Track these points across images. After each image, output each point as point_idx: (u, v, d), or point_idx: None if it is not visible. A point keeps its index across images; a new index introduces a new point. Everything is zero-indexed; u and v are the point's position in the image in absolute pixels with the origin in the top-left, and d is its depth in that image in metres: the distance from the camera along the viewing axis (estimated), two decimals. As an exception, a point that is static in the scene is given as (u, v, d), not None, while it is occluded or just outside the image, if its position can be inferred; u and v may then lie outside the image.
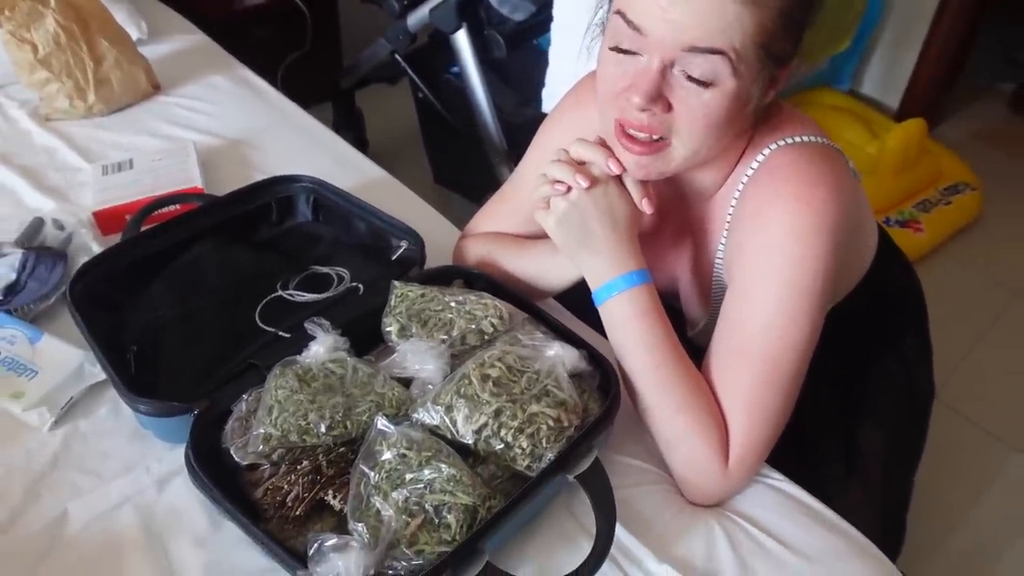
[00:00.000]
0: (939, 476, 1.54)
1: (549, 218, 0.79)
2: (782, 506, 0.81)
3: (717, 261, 0.86)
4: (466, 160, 1.83)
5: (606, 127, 0.76)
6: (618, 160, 0.76)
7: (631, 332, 0.79)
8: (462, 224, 1.07)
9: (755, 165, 0.79)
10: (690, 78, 0.67)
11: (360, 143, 2.20)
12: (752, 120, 0.78)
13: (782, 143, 0.78)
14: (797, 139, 0.78)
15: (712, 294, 0.90)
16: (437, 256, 1.04)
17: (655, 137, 0.72)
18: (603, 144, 0.78)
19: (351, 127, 2.20)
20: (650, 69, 0.68)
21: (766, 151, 0.78)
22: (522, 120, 1.70)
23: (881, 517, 1.08)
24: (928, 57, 2.55)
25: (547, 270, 0.92)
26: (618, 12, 0.69)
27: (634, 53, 0.69)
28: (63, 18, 1.26)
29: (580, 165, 0.78)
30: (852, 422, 1.04)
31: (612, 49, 0.70)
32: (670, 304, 0.86)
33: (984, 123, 2.76)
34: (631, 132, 0.73)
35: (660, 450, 0.81)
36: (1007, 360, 1.90)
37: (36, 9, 1.24)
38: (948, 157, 2.36)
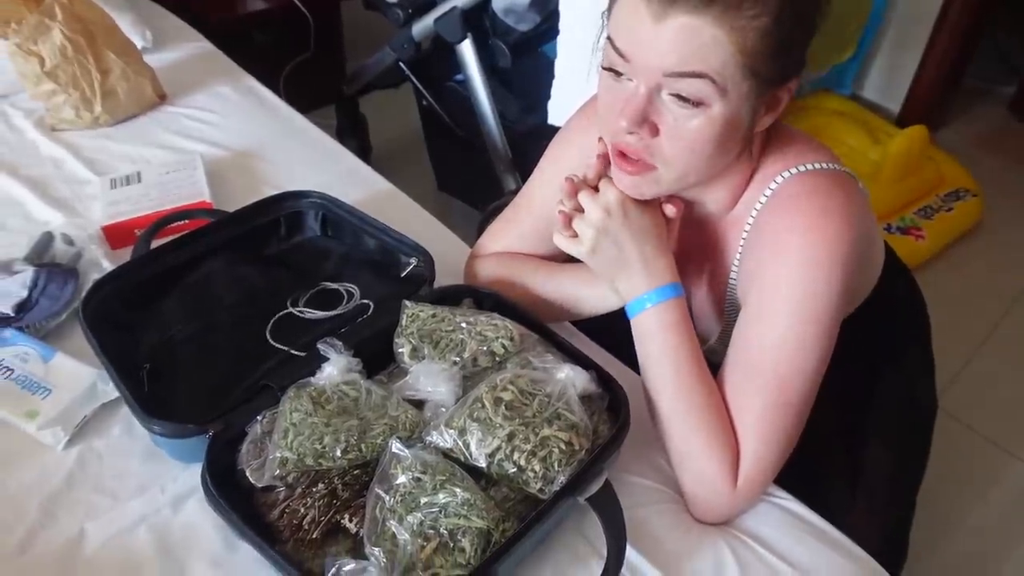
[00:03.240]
0: (939, 484, 1.54)
1: (581, 247, 0.80)
2: (788, 525, 0.82)
3: (731, 281, 0.87)
4: (470, 168, 1.84)
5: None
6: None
7: (658, 344, 0.80)
8: (466, 234, 1.08)
9: (769, 191, 0.80)
10: (678, 102, 0.68)
11: (364, 149, 2.20)
12: (754, 142, 0.79)
13: (796, 171, 0.79)
14: (811, 166, 0.79)
15: (725, 313, 0.91)
16: (444, 271, 1.05)
17: (641, 160, 0.74)
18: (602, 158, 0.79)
19: (355, 133, 2.20)
20: (638, 94, 0.70)
21: (781, 177, 0.79)
22: (526, 128, 1.71)
23: (884, 533, 1.09)
24: (929, 61, 2.57)
25: (584, 298, 0.92)
26: (609, 38, 0.71)
27: (625, 77, 0.71)
28: (70, 31, 1.27)
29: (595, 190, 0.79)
30: (856, 437, 1.04)
31: (606, 71, 0.72)
32: None
33: (985, 127, 2.77)
34: (625, 152, 0.75)
35: (672, 465, 0.82)
36: (1007, 367, 1.91)
37: (43, 22, 1.24)
38: (949, 163, 2.37)
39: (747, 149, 0.79)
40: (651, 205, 0.80)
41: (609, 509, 0.74)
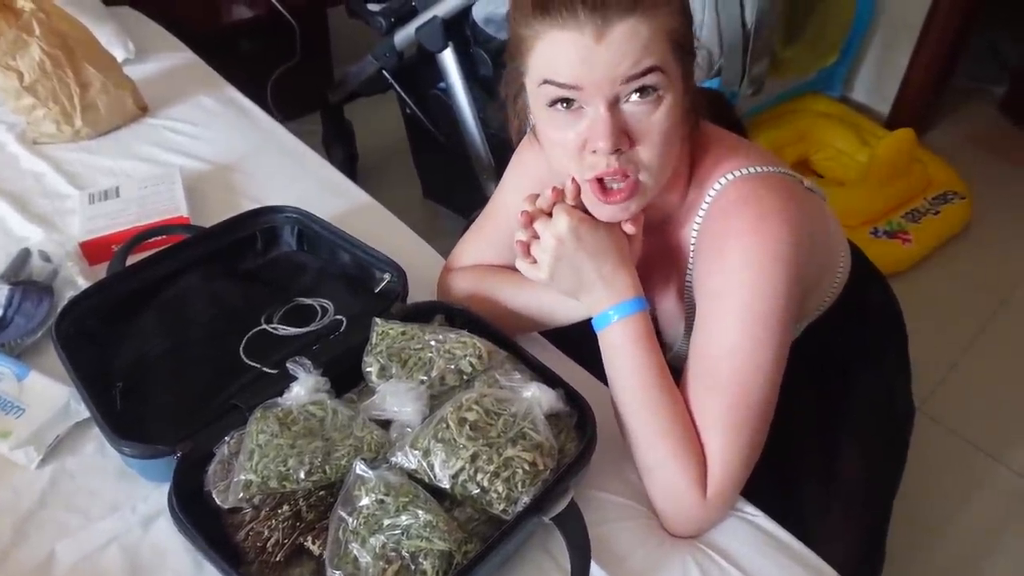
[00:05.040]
0: (920, 489, 1.56)
1: (540, 272, 0.81)
2: (757, 541, 0.82)
3: (687, 286, 0.89)
4: (454, 175, 1.84)
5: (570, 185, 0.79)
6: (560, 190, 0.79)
7: (623, 357, 0.81)
8: (452, 243, 1.08)
9: (711, 196, 0.82)
10: (639, 102, 0.71)
11: (350, 157, 2.20)
12: (689, 135, 0.81)
13: (732, 176, 0.81)
14: (746, 171, 0.81)
15: (687, 318, 0.92)
16: (423, 285, 1.05)
17: (628, 176, 0.74)
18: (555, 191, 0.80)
19: (341, 141, 2.20)
20: (599, 115, 0.71)
21: (719, 184, 0.81)
22: (509, 136, 1.71)
23: (860, 541, 1.09)
24: (919, 62, 2.56)
25: (554, 308, 0.93)
26: (546, 82, 0.71)
27: (577, 108, 0.72)
28: (48, 45, 1.27)
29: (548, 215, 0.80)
30: (832, 444, 1.05)
31: (553, 110, 0.73)
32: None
33: (975, 128, 2.77)
34: (608, 185, 0.75)
35: (642, 478, 0.82)
36: (993, 372, 1.91)
37: (21, 37, 1.25)
38: (938, 165, 2.36)
39: (684, 145, 0.81)
40: (607, 225, 0.80)
41: (573, 527, 0.74)
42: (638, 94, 0.70)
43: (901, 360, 1.12)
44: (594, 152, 0.73)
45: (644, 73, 0.69)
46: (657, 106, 0.71)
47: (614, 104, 0.71)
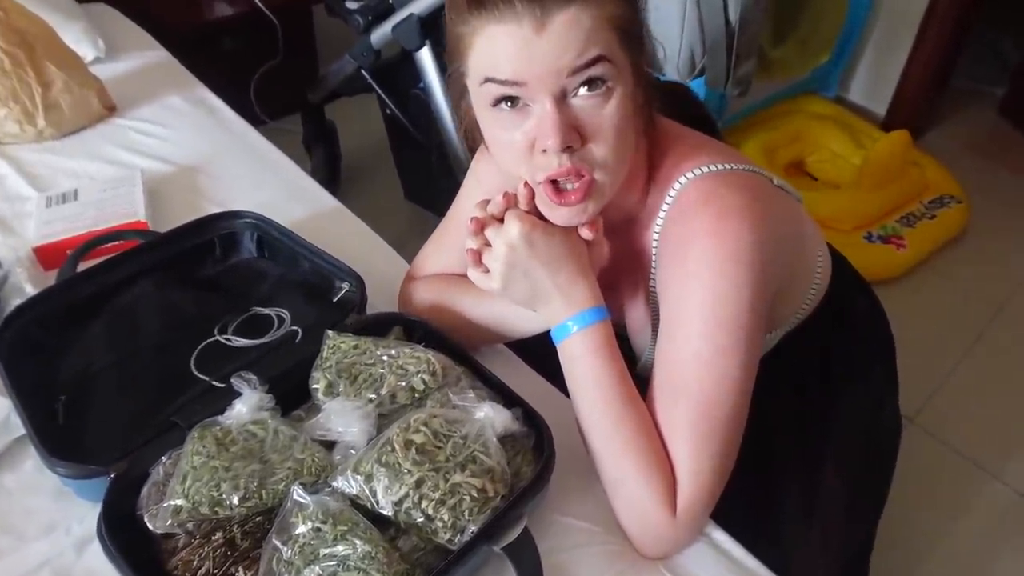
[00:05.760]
0: (909, 504, 1.51)
1: (492, 282, 0.77)
2: (723, 569, 0.77)
3: (651, 292, 0.84)
4: (436, 177, 1.80)
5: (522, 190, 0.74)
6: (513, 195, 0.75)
7: (583, 369, 0.77)
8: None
9: (671, 197, 0.78)
10: (588, 94, 0.67)
11: (333, 157, 2.16)
12: (645, 131, 0.77)
13: (693, 174, 0.76)
14: (708, 168, 0.76)
15: (653, 325, 0.88)
16: (389, 294, 1.01)
17: (583, 176, 0.70)
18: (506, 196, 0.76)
19: (322, 141, 2.16)
20: (546, 111, 0.66)
21: (682, 179, 0.77)
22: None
23: (841, 564, 1.05)
24: (916, 62, 2.51)
25: (513, 320, 0.89)
26: (487, 80, 0.68)
27: (522, 106, 0.68)
28: (6, 43, 1.23)
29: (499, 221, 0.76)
30: (814, 462, 1.00)
31: (497, 109, 0.69)
32: (621, 336, 0.84)
33: (973, 129, 2.72)
34: (563, 186, 0.71)
35: (608, 496, 0.78)
36: (989, 382, 1.86)
37: (-23, 36, 1.21)
38: (934, 168, 2.32)
39: (639, 142, 0.77)
40: (563, 230, 0.76)
41: (526, 558, 0.70)
42: (586, 87, 0.66)
43: (888, 372, 1.08)
44: (544, 152, 0.68)
45: (590, 64, 0.65)
46: (607, 99, 0.67)
47: (561, 99, 0.67)
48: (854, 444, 1.03)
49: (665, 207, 0.78)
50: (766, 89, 2.22)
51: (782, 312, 0.90)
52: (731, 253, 0.71)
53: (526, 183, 0.73)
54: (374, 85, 1.76)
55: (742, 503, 0.80)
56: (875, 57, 2.59)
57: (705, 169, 0.76)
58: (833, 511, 1.00)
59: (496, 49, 0.65)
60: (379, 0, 1.59)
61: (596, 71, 0.66)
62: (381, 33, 1.62)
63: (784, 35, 1.86)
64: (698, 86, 1.50)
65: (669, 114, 0.82)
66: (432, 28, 1.54)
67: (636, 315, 0.90)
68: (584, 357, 0.77)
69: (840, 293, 0.96)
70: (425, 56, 1.57)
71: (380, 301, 1.00)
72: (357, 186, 2.19)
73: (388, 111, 1.83)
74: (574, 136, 0.68)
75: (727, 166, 0.77)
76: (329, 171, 2.12)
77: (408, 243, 1.16)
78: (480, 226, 0.76)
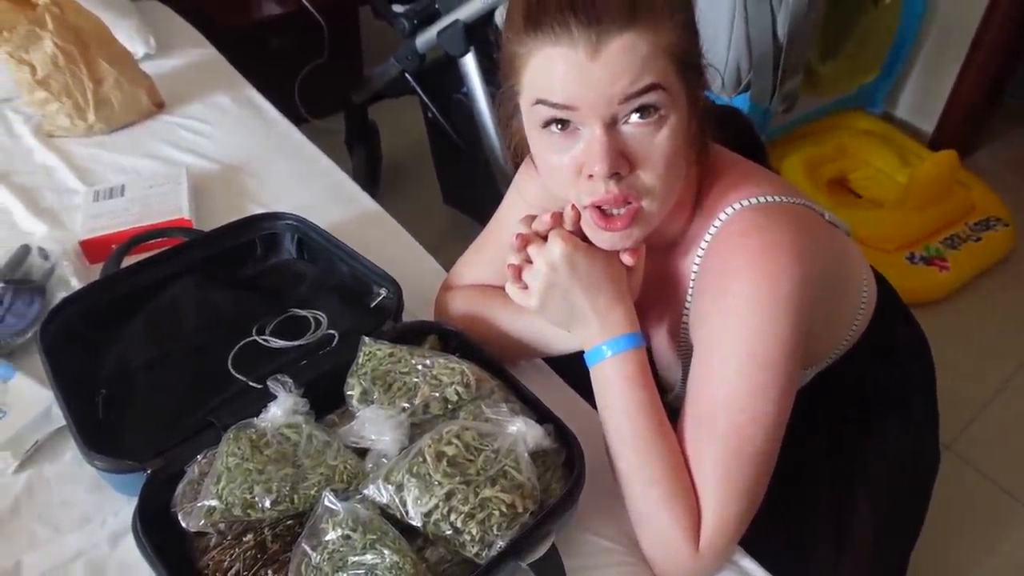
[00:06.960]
0: (942, 535, 1.47)
1: (530, 299, 0.77)
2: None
3: (683, 325, 0.83)
4: (474, 182, 1.80)
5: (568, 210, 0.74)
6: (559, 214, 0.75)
7: (614, 396, 0.76)
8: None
9: (715, 227, 0.76)
10: (640, 122, 0.66)
11: (374, 158, 2.18)
12: (696, 160, 0.76)
13: (740, 205, 0.75)
14: (756, 200, 0.75)
15: (682, 358, 0.87)
16: (422, 299, 1.02)
17: (630, 203, 0.69)
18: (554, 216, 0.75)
19: (364, 141, 2.18)
20: (595, 136, 0.66)
21: (725, 214, 0.76)
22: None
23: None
24: (966, 80, 2.45)
25: (551, 337, 0.89)
26: (539, 102, 0.67)
27: (572, 129, 0.67)
28: (61, 40, 1.26)
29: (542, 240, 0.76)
30: (847, 491, 0.99)
31: (547, 131, 0.68)
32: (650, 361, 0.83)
33: (1023, 150, 2.65)
34: (608, 211, 0.70)
35: (632, 524, 0.78)
36: (1029, 411, 1.81)
37: (34, 32, 1.24)
38: (981, 189, 2.26)
39: (690, 171, 0.76)
40: (605, 254, 0.75)
41: (553, 575, 0.70)
42: (638, 114, 0.65)
43: (928, 403, 1.05)
44: (591, 177, 0.68)
45: (643, 92, 0.64)
46: (659, 127, 0.66)
47: (611, 125, 0.66)
48: (889, 475, 1.01)
49: (708, 236, 0.77)
50: (811, 104, 2.18)
51: (817, 351, 0.88)
52: (774, 290, 0.70)
53: (573, 205, 0.73)
54: (417, 88, 1.77)
55: (773, 530, 0.79)
56: (924, 72, 2.54)
57: (753, 200, 0.75)
58: (865, 541, 0.98)
59: (550, 72, 0.65)
60: (425, 5, 1.60)
61: (649, 99, 0.65)
62: (426, 38, 1.63)
63: (833, 51, 1.83)
64: (742, 101, 1.48)
65: (719, 138, 0.81)
66: (477, 34, 1.54)
67: (665, 347, 0.89)
68: (617, 383, 0.76)
69: (883, 325, 0.94)
70: (469, 62, 1.57)
71: (415, 306, 1.00)
72: (396, 187, 2.20)
73: (430, 115, 1.84)
74: (622, 163, 0.67)
75: (776, 198, 0.75)
76: (369, 171, 2.13)
77: (445, 247, 1.16)
78: (524, 242, 0.76)
